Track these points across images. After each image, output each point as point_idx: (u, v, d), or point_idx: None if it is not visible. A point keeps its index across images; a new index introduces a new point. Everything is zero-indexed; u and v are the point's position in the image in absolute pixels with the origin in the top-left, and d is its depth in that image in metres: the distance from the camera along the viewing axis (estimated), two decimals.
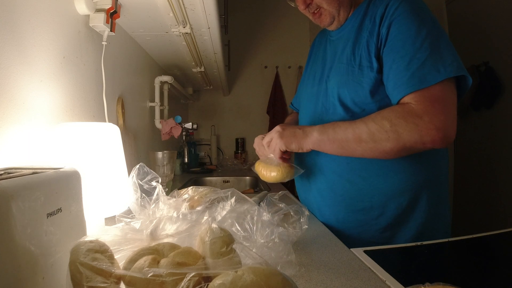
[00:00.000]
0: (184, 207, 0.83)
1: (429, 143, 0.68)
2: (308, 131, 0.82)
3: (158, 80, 1.62)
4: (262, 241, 0.55)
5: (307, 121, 0.97)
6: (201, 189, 0.87)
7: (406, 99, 0.70)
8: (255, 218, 0.58)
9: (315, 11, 0.86)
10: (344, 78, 0.81)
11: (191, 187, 0.88)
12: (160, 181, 0.71)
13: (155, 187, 0.71)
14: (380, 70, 0.75)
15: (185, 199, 0.84)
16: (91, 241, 0.41)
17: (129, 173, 0.71)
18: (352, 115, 0.80)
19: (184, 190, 0.89)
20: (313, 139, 0.80)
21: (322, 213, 0.92)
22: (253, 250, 0.42)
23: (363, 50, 0.78)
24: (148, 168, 0.70)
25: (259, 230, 0.56)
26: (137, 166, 0.69)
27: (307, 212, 0.70)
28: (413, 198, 0.80)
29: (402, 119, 0.68)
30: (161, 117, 1.68)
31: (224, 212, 0.69)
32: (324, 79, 0.89)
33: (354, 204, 0.83)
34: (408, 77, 0.69)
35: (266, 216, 0.61)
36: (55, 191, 0.43)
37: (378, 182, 0.80)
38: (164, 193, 0.74)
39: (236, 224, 0.59)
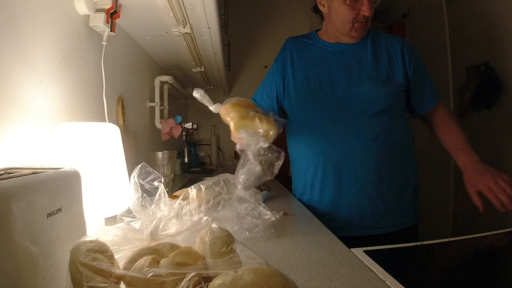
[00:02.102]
0: (184, 208, 0.83)
1: None
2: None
3: (158, 80, 1.62)
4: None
5: (334, 122, 1.00)
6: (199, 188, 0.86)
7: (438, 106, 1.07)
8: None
9: (363, 21, 0.97)
10: (373, 82, 0.98)
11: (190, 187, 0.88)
12: (162, 181, 0.71)
13: (156, 187, 0.71)
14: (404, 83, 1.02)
15: (185, 199, 0.84)
16: (91, 241, 0.41)
17: (129, 173, 0.71)
18: (383, 111, 0.98)
19: (182, 190, 0.89)
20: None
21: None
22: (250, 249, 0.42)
23: (390, 68, 1.00)
24: (150, 168, 0.70)
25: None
26: (139, 166, 0.69)
27: None
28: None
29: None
30: (161, 117, 1.68)
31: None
32: (343, 84, 1.00)
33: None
34: (436, 92, 1.07)
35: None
36: (55, 191, 0.43)
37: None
38: (166, 193, 0.74)
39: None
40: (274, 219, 0.80)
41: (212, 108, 0.82)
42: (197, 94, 0.80)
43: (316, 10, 1.10)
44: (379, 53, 1.02)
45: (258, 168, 0.73)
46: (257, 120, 0.78)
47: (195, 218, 0.80)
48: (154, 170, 0.70)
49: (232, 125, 0.81)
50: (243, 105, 0.82)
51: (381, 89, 0.98)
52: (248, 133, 0.75)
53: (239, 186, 0.74)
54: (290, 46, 1.13)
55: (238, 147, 0.77)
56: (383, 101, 0.97)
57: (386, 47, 1.03)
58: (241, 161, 0.75)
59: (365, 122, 0.97)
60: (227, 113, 0.82)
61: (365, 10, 0.92)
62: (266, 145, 0.75)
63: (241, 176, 0.73)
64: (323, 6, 1.02)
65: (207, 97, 0.80)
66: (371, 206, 0.99)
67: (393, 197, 1.00)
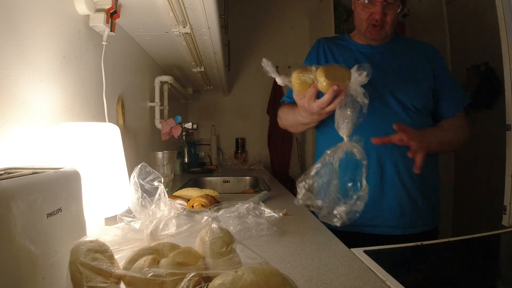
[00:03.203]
0: (184, 208, 0.83)
1: None
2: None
3: (158, 80, 1.62)
4: None
5: (375, 120, 0.99)
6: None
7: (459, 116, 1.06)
8: None
9: (377, 24, 1.00)
10: (410, 84, 1.02)
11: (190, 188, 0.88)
12: (162, 181, 0.71)
13: (156, 187, 0.71)
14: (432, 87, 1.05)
15: (185, 200, 0.84)
16: (91, 241, 0.41)
17: (129, 173, 0.71)
18: (419, 111, 1.01)
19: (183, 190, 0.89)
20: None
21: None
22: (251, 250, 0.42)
23: (420, 72, 1.05)
24: (150, 168, 0.70)
25: None
26: (139, 165, 0.69)
27: None
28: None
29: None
30: (161, 117, 1.68)
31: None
32: (381, 84, 1.01)
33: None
34: (460, 102, 1.06)
35: None
36: (55, 191, 0.43)
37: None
38: (166, 193, 0.74)
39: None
40: (277, 216, 0.80)
41: (279, 80, 0.77)
42: (265, 64, 0.76)
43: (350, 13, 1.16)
44: (411, 56, 1.07)
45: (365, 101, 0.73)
46: (337, 66, 0.77)
47: (195, 218, 0.80)
48: (154, 170, 0.70)
49: (322, 75, 0.74)
50: (305, 69, 0.77)
51: (417, 90, 1.01)
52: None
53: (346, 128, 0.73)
54: (323, 45, 1.15)
55: (335, 88, 0.73)
56: (419, 101, 1.00)
57: (417, 51, 1.08)
58: (343, 104, 0.74)
59: (404, 120, 0.98)
60: (301, 73, 0.76)
61: (375, 13, 0.98)
62: (366, 79, 0.75)
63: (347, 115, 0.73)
64: (353, 9, 1.08)
65: (273, 68, 0.76)
66: (412, 204, 0.99)
67: (427, 196, 1.02)
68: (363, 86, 0.78)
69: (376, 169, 0.99)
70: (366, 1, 0.99)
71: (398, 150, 0.97)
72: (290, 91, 1.14)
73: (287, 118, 1.07)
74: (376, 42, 1.07)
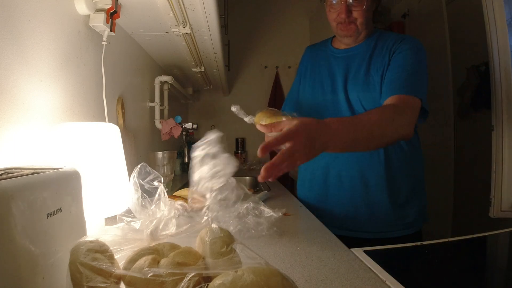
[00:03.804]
0: (184, 208, 0.83)
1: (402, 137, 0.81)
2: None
3: (158, 80, 1.62)
4: None
5: None
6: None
7: (393, 98, 0.86)
8: None
9: (344, 23, 0.99)
10: (365, 89, 0.98)
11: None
12: (162, 181, 0.71)
13: (156, 187, 0.71)
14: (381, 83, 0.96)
15: (185, 200, 0.84)
16: (91, 241, 0.41)
17: (129, 173, 0.71)
18: None
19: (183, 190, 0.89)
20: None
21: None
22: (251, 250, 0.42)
23: (375, 71, 0.98)
24: (150, 168, 0.70)
25: None
26: (139, 165, 0.69)
27: None
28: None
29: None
30: (161, 117, 1.68)
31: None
32: (340, 89, 1.03)
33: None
34: (401, 82, 0.89)
35: None
36: (55, 191, 0.43)
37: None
38: (166, 193, 0.74)
39: None
40: (276, 216, 0.80)
41: (246, 119, 0.86)
42: (234, 109, 0.85)
43: None
44: (377, 55, 1.00)
45: None
46: (281, 117, 0.80)
47: (195, 218, 0.80)
48: (153, 170, 0.70)
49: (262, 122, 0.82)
50: (272, 112, 0.84)
51: (370, 94, 0.97)
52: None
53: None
54: (306, 56, 1.19)
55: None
56: (372, 106, 0.95)
57: (384, 46, 1.01)
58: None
59: None
60: (259, 119, 0.85)
61: (341, 12, 0.98)
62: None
63: None
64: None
65: (242, 111, 0.86)
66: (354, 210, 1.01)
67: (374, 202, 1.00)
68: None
69: (321, 177, 1.04)
70: (334, 1, 0.98)
71: (340, 161, 1.00)
72: (284, 103, 1.23)
73: None
74: (352, 43, 1.05)
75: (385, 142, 0.80)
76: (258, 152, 0.62)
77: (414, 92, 0.85)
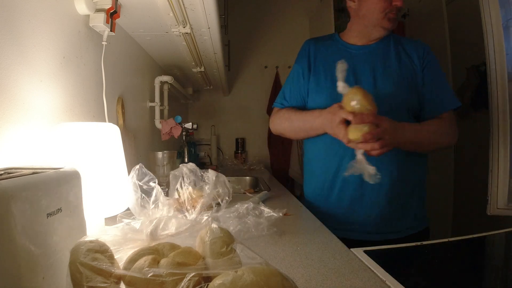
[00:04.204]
0: (184, 208, 0.83)
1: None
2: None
3: (158, 80, 1.62)
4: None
5: None
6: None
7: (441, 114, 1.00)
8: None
9: (393, 14, 1.00)
10: (396, 87, 1.00)
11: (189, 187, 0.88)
12: (157, 182, 0.71)
13: (153, 188, 0.71)
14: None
15: (184, 199, 0.84)
16: (91, 241, 0.41)
17: (129, 173, 0.71)
18: (405, 113, 0.99)
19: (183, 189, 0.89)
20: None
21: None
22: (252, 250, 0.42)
23: (407, 71, 1.02)
24: (145, 169, 0.70)
25: None
26: (137, 166, 0.69)
27: None
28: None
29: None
30: (161, 117, 1.68)
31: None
32: (367, 86, 0.99)
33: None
34: (444, 100, 1.00)
35: None
36: (55, 191, 0.43)
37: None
38: (163, 193, 0.74)
39: None
40: (277, 216, 0.80)
41: (340, 85, 0.84)
42: (341, 64, 0.85)
43: (342, 11, 1.13)
44: (402, 56, 1.03)
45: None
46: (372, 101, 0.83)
47: (195, 218, 0.80)
48: (148, 171, 0.70)
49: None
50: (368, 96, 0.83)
51: (405, 92, 0.99)
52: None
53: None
54: (310, 49, 1.12)
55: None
56: (407, 103, 0.99)
57: (407, 50, 1.04)
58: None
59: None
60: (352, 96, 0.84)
61: (398, 1, 0.96)
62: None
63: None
64: (353, 1, 1.04)
65: (344, 74, 0.84)
66: (391, 209, 0.99)
67: (405, 201, 1.01)
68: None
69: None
70: None
71: (379, 157, 0.98)
72: (282, 96, 1.17)
73: (292, 123, 1.06)
74: (385, 32, 1.03)
75: (437, 148, 1.01)
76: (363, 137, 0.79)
77: (454, 105, 1.01)
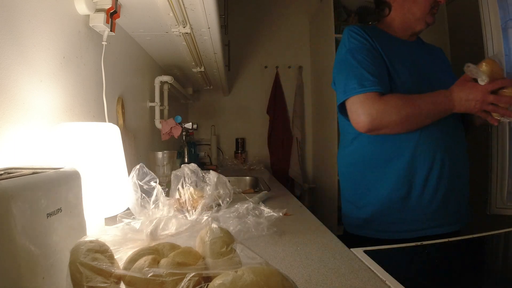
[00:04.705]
0: (184, 208, 0.83)
1: None
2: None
3: (158, 80, 1.62)
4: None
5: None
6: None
7: None
8: None
9: (436, 10, 1.03)
10: (451, 79, 1.00)
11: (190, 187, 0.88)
12: (158, 181, 0.71)
13: (154, 188, 0.71)
14: None
15: (185, 200, 0.84)
16: (91, 241, 0.41)
17: (129, 173, 0.71)
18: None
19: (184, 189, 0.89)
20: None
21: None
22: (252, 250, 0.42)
23: (447, 65, 1.12)
24: (147, 169, 0.70)
25: None
26: (137, 166, 0.69)
27: None
28: None
29: None
30: (161, 117, 1.68)
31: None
32: (430, 80, 1.01)
33: None
34: None
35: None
36: (55, 191, 0.43)
37: None
38: (163, 193, 0.74)
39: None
40: (277, 216, 0.80)
41: (481, 79, 0.90)
42: (468, 68, 0.90)
43: (377, 5, 1.11)
44: (435, 55, 1.11)
45: None
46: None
47: (195, 218, 0.80)
48: (150, 171, 0.70)
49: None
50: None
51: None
52: None
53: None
54: (368, 35, 1.00)
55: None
56: None
57: (436, 52, 1.13)
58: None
59: (455, 116, 0.98)
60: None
61: None
62: None
63: None
64: None
65: (480, 73, 0.91)
66: (465, 201, 1.03)
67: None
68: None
69: (450, 167, 0.97)
70: None
71: (455, 149, 1.00)
72: (373, 80, 0.92)
73: (420, 108, 0.91)
74: (426, 26, 1.06)
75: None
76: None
77: None
